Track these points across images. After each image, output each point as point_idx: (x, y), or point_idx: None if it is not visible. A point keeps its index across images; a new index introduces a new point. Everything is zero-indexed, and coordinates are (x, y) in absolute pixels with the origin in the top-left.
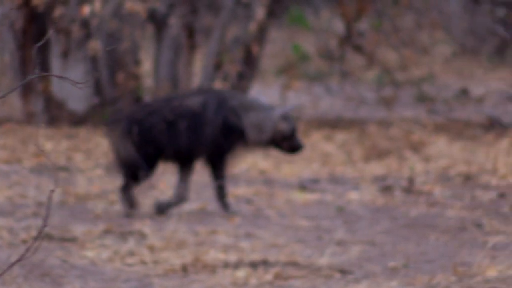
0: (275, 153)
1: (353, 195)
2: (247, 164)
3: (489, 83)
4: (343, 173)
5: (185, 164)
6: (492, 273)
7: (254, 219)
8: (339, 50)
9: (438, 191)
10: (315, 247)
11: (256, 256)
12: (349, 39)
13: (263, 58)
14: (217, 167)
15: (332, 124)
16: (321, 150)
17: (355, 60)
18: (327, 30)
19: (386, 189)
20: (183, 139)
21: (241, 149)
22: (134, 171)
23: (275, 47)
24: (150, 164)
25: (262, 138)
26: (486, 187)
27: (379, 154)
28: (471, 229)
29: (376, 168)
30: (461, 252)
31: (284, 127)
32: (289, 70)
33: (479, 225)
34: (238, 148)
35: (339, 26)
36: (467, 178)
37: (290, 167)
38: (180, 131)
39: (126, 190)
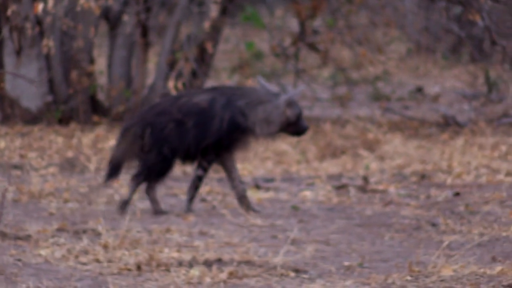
0: None
1: (308, 194)
2: None
3: (444, 82)
4: (298, 172)
5: (193, 161)
6: (447, 272)
7: (208, 218)
8: (293, 48)
9: (393, 190)
10: (269, 246)
11: (210, 255)
12: (303, 37)
13: (217, 56)
14: (208, 159)
15: None
16: (275, 148)
17: (309, 59)
18: (281, 28)
19: (341, 188)
20: (190, 137)
21: (248, 143)
22: (153, 171)
23: (229, 45)
24: (167, 164)
25: (271, 130)
26: (441, 186)
27: (334, 152)
28: (426, 228)
29: (331, 167)
30: (416, 251)
31: (290, 113)
32: (243, 68)
33: (434, 224)
34: (245, 143)
35: (293, 24)
36: (422, 177)
37: (244, 166)
38: (188, 129)
39: (150, 191)
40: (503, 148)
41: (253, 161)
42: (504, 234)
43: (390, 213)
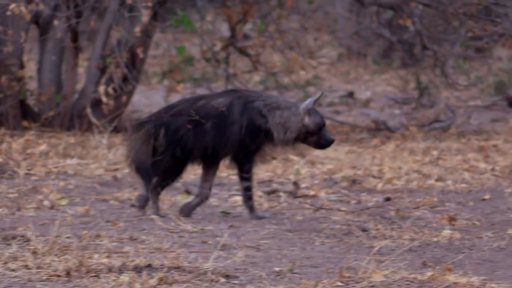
0: None
1: (239, 199)
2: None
3: (375, 87)
4: (228, 177)
5: (210, 164)
6: (378, 277)
7: (138, 223)
8: (224, 53)
9: (324, 195)
10: (200, 252)
11: (140, 261)
12: (234, 42)
13: (148, 61)
14: (244, 169)
15: None
16: None
17: (240, 63)
18: (212, 33)
19: (272, 193)
20: (208, 139)
21: (268, 150)
22: (165, 173)
23: (160, 50)
24: (179, 166)
25: (288, 137)
26: (372, 191)
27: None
28: (357, 234)
29: (262, 172)
30: (347, 256)
31: (308, 122)
32: (174, 73)
33: (365, 230)
34: (265, 149)
35: (224, 28)
36: (353, 182)
37: None
38: (205, 132)
39: (154, 192)
40: (434, 153)
41: None
42: (434, 239)
43: (320, 219)
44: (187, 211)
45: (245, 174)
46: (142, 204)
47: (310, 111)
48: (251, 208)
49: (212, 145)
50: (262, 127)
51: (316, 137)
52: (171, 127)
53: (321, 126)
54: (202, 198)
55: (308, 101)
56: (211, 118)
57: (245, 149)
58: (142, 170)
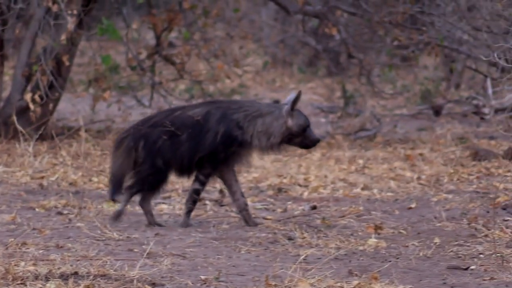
0: (86, 164)
1: (165, 207)
2: (57, 175)
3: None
4: None
5: (189, 174)
6: (304, 286)
7: (65, 231)
8: (149, 61)
9: (250, 203)
10: (126, 260)
11: (66, 269)
12: (159, 50)
13: (73, 69)
14: (203, 171)
15: None
16: None
17: (165, 71)
18: (137, 41)
19: (198, 202)
20: (183, 149)
21: (246, 157)
22: (147, 183)
23: (86, 58)
24: (160, 176)
25: (272, 142)
26: (298, 199)
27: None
28: (283, 242)
29: (187, 180)
30: (273, 265)
31: (291, 124)
32: (99, 81)
33: (291, 238)
34: (238, 158)
35: (149, 36)
36: (279, 190)
37: (101, 179)
38: (181, 142)
39: (144, 203)
40: (360, 161)
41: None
42: (360, 248)
43: (246, 227)
44: (251, 224)
45: (201, 176)
46: (116, 217)
47: (292, 113)
48: (188, 212)
49: (188, 155)
50: (238, 138)
51: (300, 138)
52: (149, 138)
53: (305, 127)
54: (242, 208)
55: (289, 99)
56: (186, 128)
57: (213, 154)
58: (117, 184)
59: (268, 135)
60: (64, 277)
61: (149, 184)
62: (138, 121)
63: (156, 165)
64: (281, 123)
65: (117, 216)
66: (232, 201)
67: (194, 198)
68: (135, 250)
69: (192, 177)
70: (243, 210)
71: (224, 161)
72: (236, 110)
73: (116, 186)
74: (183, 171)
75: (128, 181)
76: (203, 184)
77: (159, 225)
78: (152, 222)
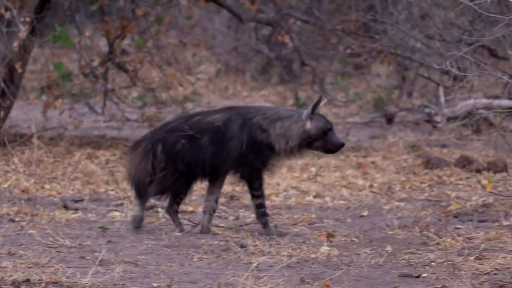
0: (39, 171)
1: (117, 215)
2: (9, 182)
3: (253, 103)
4: (107, 192)
5: (214, 178)
6: None
7: (16, 238)
8: (102, 68)
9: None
10: (78, 267)
11: (18, 276)
12: (112, 57)
13: (26, 76)
14: (253, 187)
15: (95, 143)
16: (84, 169)
17: (118, 79)
18: (90, 48)
19: (150, 209)
20: (205, 154)
21: (273, 162)
22: (173, 189)
23: (39, 65)
24: (185, 180)
25: (290, 145)
26: (250, 207)
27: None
28: (235, 250)
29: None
30: (225, 272)
31: (310, 127)
32: (52, 89)
33: (243, 246)
34: (271, 162)
35: (102, 44)
36: (232, 198)
37: (53, 186)
38: (201, 146)
39: (170, 211)
40: (313, 169)
41: (62, 181)
42: (313, 255)
43: (199, 234)
44: (205, 230)
45: (255, 191)
46: (137, 224)
47: (312, 117)
48: (265, 225)
49: (210, 160)
50: (264, 142)
51: (321, 142)
52: (167, 142)
53: (325, 131)
54: (209, 212)
55: (311, 105)
56: (206, 133)
57: (251, 166)
58: (140, 188)
59: (287, 138)
60: (16, 284)
61: (175, 189)
62: (156, 127)
63: (178, 169)
64: (299, 126)
65: (138, 222)
66: (204, 200)
67: (262, 212)
68: (87, 257)
69: (217, 182)
70: (208, 213)
71: (263, 166)
72: (255, 113)
73: (138, 189)
74: (205, 175)
75: (152, 188)
76: (260, 197)
77: (184, 231)
78: (181, 229)
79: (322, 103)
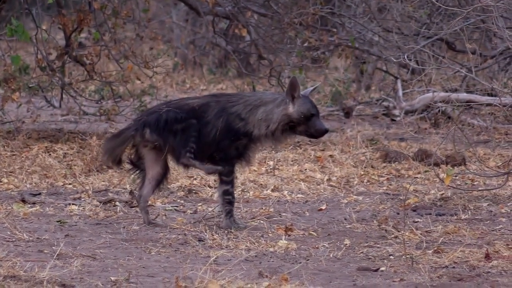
0: None
1: (75, 209)
2: None
3: None
4: (64, 186)
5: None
6: (214, 287)
7: None
8: (59, 62)
9: (160, 204)
10: (36, 261)
11: None
12: (69, 51)
13: None
14: (223, 172)
15: (53, 136)
16: (42, 162)
17: (76, 72)
18: (47, 41)
19: (108, 203)
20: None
21: (253, 151)
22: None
23: None
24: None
25: (271, 128)
26: (208, 201)
27: (100, 167)
28: (193, 243)
29: (98, 181)
30: (184, 266)
31: (292, 111)
32: (9, 82)
33: (201, 240)
34: (248, 151)
35: (59, 37)
36: (189, 191)
37: (10, 180)
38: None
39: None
40: (270, 163)
41: (19, 175)
42: (271, 249)
43: (157, 228)
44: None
45: (224, 177)
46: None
47: (296, 100)
48: (227, 213)
49: (180, 134)
50: (240, 130)
51: (304, 126)
52: (152, 122)
53: (307, 116)
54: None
55: (305, 91)
56: (183, 112)
57: (224, 152)
58: (114, 158)
59: (268, 122)
60: None
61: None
62: (135, 117)
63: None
64: (281, 109)
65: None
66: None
67: (227, 200)
68: (45, 251)
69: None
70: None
71: (236, 154)
72: (236, 102)
73: (114, 160)
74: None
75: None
76: (228, 183)
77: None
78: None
79: (313, 88)
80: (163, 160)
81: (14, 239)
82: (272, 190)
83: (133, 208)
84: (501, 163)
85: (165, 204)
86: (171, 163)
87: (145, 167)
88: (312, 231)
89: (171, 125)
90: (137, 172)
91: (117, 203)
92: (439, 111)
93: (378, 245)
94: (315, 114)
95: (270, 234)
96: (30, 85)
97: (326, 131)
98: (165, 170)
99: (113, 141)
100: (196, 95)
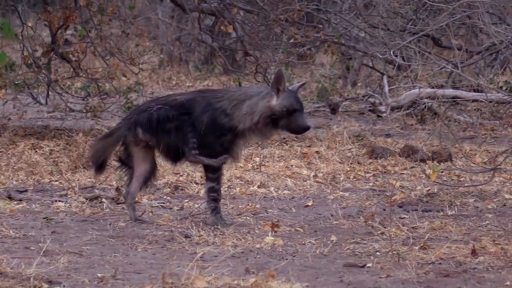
0: None
1: (61, 205)
2: None
3: None
4: (51, 183)
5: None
6: (201, 284)
7: None
8: (45, 59)
9: (146, 201)
10: (22, 258)
11: None
12: (55, 48)
13: None
14: (209, 168)
15: (39, 133)
16: (28, 159)
17: (62, 69)
18: (33, 38)
19: (94, 199)
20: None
21: (238, 145)
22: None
23: None
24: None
25: (254, 121)
26: (195, 197)
27: (86, 164)
28: (179, 240)
29: (84, 178)
30: (170, 263)
31: (275, 104)
32: None
33: (187, 236)
34: (234, 147)
35: (45, 34)
36: (176, 188)
37: None
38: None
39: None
40: (257, 159)
41: (6, 172)
42: (257, 245)
43: (143, 225)
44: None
45: (210, 174)
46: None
47: (280, 94)
48: (212, 210)
49: (174, 133)
50: (225, 125)
51: (285, 121)
52: (144, 121)
53: (290, 110)
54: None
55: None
56: (172, 108)
57: (210, 148)
58: (99, 163)
59: (252, 116)
60: None
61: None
62: (125, 116)
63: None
64: (265, 102)
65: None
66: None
67: (212, 197)
68: (32, 248)
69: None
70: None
71: (221, 150)
72: (221, 97)
73: (98, 165)
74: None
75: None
76: (213, 180)
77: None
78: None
79: (300, 84)
80: (151, 157)
81: (0, 236)
82: (259, 187)
83: (120, 205)
84: (487, 159)
85: (151, 200)
86: (159, 160)
87: (133, 164)
88: (299, 228)
89: (163, 124)
90: (125, 169)
91: (103, 199)
92: (425, 107)
93: (364, 241)
94: (298, 110)
95: (256, 231)
96: (16, 82)
97: (307, 128)
98: (153, 167)
99: (104, 140)
100: (182, 91)
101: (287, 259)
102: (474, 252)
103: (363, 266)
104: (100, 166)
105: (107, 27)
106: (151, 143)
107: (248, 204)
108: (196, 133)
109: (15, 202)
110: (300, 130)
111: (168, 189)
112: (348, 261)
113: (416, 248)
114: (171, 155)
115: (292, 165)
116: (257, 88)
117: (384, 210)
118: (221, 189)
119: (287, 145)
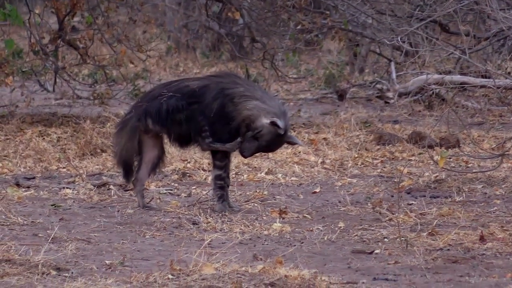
0: None
1: (69, 192)
2: None
3: None
4: (58, 170)
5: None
6: (209, 270)
7: None
8: (52, 46)
9: (154, 188)
10: (30, 245)
11: None
12: (62, 35)
13: None
14: (216, 156)
15: (46, 120)
16: (36, 146)
17: (69, 56)
18: (40, 26)
19: (102, 186)
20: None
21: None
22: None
23: None
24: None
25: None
26: (203, 184)
27: (94, 151)
28: (187, 227)
29: (92, 165)
30: (178, 249)
31: (261, 124)
32: (2, 66)
33: (195, 223)
34: (241, 135)
35: (52, 21)
36: (184, 175)
37: (4, 164)
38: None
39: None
40: None
41: (14, 159)
42: (265, 232)
43: (151, 212)
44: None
45: (217, 161)
46: (143, 205)
47: (276, 127)
48: (219, 198)
49: (186, 127)
50: (231, 114)
51: (248, 139)
52: (154, 112)
53: (254, 132)
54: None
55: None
56: (184, 96)
57: (216, 135)
58: (126, 167)
59: (249, 117)
60: None
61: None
62: (137, 99)
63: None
64: (265, 119)
65: (142, 204)
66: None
67: (218, 185)
68: (40, 235)
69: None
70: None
71: (229, 140)
72: (234, 85)
73: (126, 169)
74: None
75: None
76: (220, 168)
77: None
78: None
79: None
80: (160, 144)
81: (8, 223)
82: (266, 173)
83: (127, 192)
84: (495, 145)
85: (159, 187)
86: (167, 147)
87: (142, 151)
88: (306, 214)
89: (173, 114)
90: (134, 156)
91: (111, 186)
92: (433, 93)
93: (372, 228)
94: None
95: (264, 217)
96: (24, 69)
97: (243, 155)
98: (162, 153)
99: (121, 134)
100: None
101: (295, 245)
102: (482, 238)
103: (371, 253)
104: (128, 170)
105: (114, 14)
106: (161, 133)
107: (256, 191)
108: (208, 121)
109: (23, 189)
110: (242, 155)
111: (176, 176)
112: (356, 248)
113: (424, 234)
114: (182, 143)
115: (299, 152)
116: (277, 100)
117: (392, 196)
118: (229, 175)
119: (294, 131)
